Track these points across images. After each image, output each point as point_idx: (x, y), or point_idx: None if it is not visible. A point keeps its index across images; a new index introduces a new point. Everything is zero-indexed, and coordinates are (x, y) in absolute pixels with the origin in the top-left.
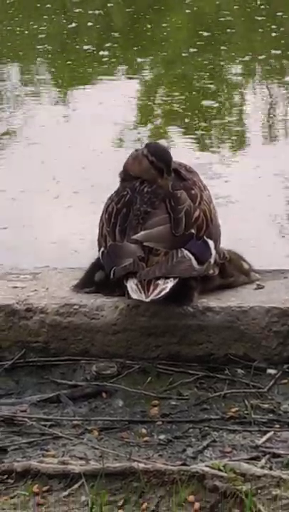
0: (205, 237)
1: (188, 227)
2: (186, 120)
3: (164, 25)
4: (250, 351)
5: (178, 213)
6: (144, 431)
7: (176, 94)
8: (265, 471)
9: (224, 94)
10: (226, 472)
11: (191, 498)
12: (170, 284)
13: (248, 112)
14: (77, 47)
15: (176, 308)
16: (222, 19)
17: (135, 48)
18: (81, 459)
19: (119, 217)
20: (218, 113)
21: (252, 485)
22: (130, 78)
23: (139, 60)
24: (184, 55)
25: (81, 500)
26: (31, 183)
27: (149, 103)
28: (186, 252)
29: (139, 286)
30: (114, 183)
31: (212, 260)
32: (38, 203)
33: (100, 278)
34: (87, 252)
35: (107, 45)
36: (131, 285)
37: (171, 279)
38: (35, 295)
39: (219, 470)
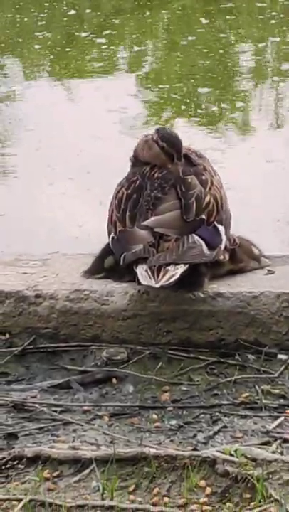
0: (215, 223)
1: (198, 212)
2: (183, 107)
3: (163, 11)
4: (260, 337)
5: (188, 199)
6: (154, 416)
7: (175, 81)
8: (276, 456)
9: (223, 82)
10: (237, 457)
11: (202, 483)
12: (180, 270)
13: (246, 100)
14: (77, 34)
15: (187, 293)
16: (223, 6)
17: (134, 36)
18: (92, 444)
19: (129, 203)
20: (215, 100)
21: (263, 470)
22: (129, 66)
23: (137, 48)
24: (182, 42)
25: (92, 485)
26: (26, 169)
27: (147, 90)
28: (196, 237)
29: (149, 272)
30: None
31: (222, 246)
32: (33, 189)
33: (109, 264)
34: (85, 238)
35: (107, 32)
36: (141, 271)
37: (182, 265)
38: (44, 281)
39: (230, 455)
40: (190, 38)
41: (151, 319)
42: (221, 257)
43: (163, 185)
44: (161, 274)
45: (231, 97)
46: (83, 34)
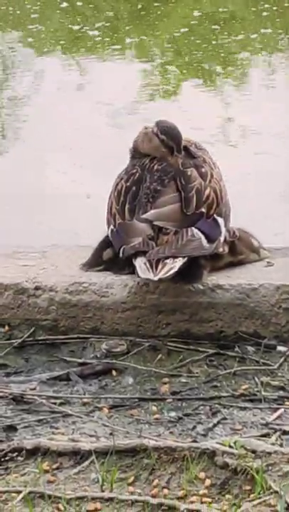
0: (215, 216)
1: (198, 205)
2: (174, 97)
3: (156, 4)
4: (260, 329)
5: (188, 192)
6: (154, 408)
7: (167, 73)
8: (276, 448)
9: (215, 72)
10: (236, 449)
11: (202, 474)
12: (179, 263)
13: (233, 92)
14: (70, 26)
15: (186, 285)
16: None
17: (127, 28)
18: (91, 436)
19: (129, 195)
20: (207, 86)
21: (262, 461)
22: (121, 58)
23: (130, 40)
24: (176, 34)
25: (91, 477)
26: (20, 161)
27: (140, 82)
28: (195, 230)
29: (148, 265)
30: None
31: (222, 238)
32: (28, 182)
33: (108, 256)
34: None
35: (99, 24)
36: (140, 264)
37: (180, 258)
38: (44, 273)
39: (230, 447)
40: (182, 30)
41: (150, 311)
42: (221, 250)
43: (162, 177)
44: (160, 266)
45: (220, 88)
46: (76, 27)
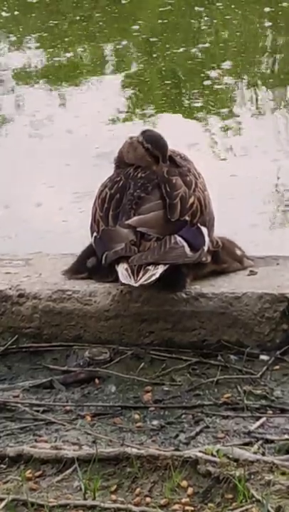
0: (199, 224)
1: (183, 212)
2: (162, 100)
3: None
4: (243, 337)
5: (173, 199)
6: (136, 417)
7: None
8: (258, 457)
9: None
10: (219, 457)
11: (184, 483)
12: (160, 269)
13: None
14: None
15: (169, 294)
16: None
17: (116, 15)
18: (74, 444)
19: (112, 202)
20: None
21: (245, 470)
22: (102, 48)
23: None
24: (159, 21)
25: (74, 485)
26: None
27: (123, 78)
28: (179, 238)
29: (129, 271)
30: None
31: (206, 248)
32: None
33: (92, 264)
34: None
35: (85, 14)
36: (122, 270)
37: (162, 265)
38: (27, 281)
39: (212, 455)
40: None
41: (133, 320)
42: (204, 259)
43: (146, 184)
44: (141, 273)
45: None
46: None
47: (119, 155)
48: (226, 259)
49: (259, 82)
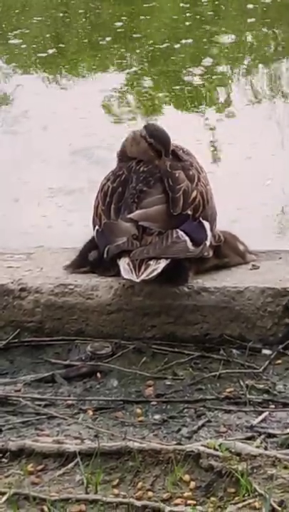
0: (201, 219)
1: (185, 206)
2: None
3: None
4: (245, 331)
5: (176, 192)
6: (138, 411)
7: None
8: (261, 451)
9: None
10: (221, 451)
11: (187, 477)
12: (162, 264)
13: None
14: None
15: (171, 288)
16: None
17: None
18: (76, 438)
19: (115, 196)
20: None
21: (247, 464)
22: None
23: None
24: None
25: (76, 479)
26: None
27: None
28: (181, 232)
29: (131, 266)
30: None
31: (208, 243)
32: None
33: (94, 257)
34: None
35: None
36: (123, 264)
37: (163, 259)
38: (29, 275)
39: (214, 449)
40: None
41: (135, 314)
42: (206, 254)
43: (148, 178)
44: (143, 268)
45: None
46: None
47: (122, 149)
48: (228, 253)
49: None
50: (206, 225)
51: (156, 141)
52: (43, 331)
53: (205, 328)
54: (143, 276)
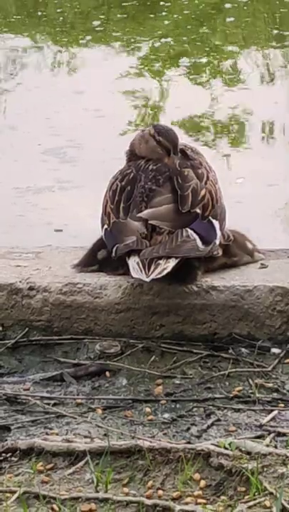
0: (210, 218)
1: (194, 204)
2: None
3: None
4: (254, 330)
5: (185, 190)
6: (148, 410)
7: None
8: (271, 449)
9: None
10: (231, 450)
11: (197, 476)
12: (172, 263)
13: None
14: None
15: (180, 287)
16: None
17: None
18: (85, 437)
19: (124, 194)
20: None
21: (257, 463)
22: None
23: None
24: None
25: (86, 478)
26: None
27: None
28: (190, 231)
29: (140, 265)
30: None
31: (217, 241)
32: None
33: (103, 256)
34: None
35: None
36: (133, 264)
37: (173, 258)
38: (38, 274)
39: (225, 448)
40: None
41: (144, 313)
42: (215, 253)
43: (157, 177)
44: (152, 267)
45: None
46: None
47: (131, 147)
48: (236, 252)
49: None
50: (216, 223)
51: (164, 138)
52: (52, 329)
53: (214, 327)
54: (153, 276)
